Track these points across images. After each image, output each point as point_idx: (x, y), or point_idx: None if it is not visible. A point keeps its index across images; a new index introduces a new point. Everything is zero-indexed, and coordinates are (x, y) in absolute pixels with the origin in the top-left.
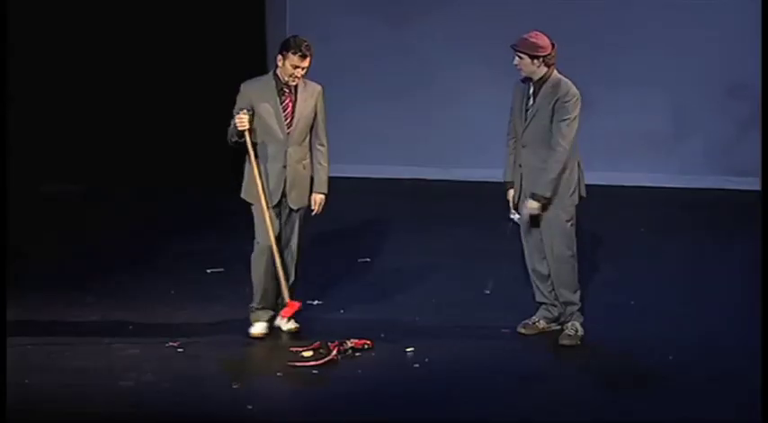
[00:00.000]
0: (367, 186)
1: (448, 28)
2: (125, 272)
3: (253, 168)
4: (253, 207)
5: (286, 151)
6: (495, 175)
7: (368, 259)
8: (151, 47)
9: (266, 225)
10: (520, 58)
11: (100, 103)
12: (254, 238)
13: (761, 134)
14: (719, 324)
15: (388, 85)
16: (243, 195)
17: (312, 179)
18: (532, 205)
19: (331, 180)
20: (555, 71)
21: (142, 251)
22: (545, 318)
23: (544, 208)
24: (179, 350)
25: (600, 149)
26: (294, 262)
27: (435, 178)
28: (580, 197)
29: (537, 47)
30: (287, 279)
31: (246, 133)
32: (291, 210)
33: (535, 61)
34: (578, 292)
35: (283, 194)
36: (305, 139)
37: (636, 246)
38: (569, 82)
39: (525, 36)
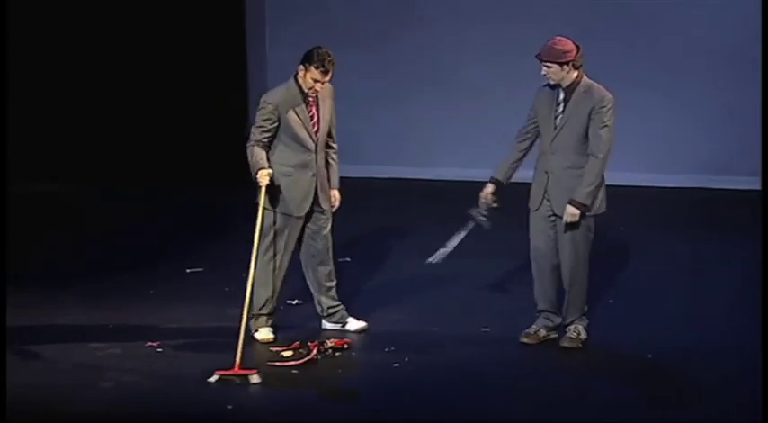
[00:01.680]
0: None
1: (457, 27)
2: (107, 272)
3: (260, 204)
4: (274, 215)
5: (315, 158)
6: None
7: (348, 259)
8: (136, 47)
9: (290, 236)
10: (548, 67)
11: (84, 101)
12: (245, 239)
13: (761, 134)
14: (719, 324)
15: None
16: (268, 205)
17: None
18: (573, 212)
19: None
20: (584, 75)
21: (124, 252)
22: (545, 326)
23: (582, 215)
24: (158, 350)
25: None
26: (333, 271)
27: (419, 178)
28: (605, 207)
29: (563, 53)
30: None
31: (264, 189)
32: (321, 213)
33: (564, 67)
34: (586, 299)
35: (313, 202)
36: (325, 142)
37: (636, 246)
38: (601, 87)
39: (549, 44)
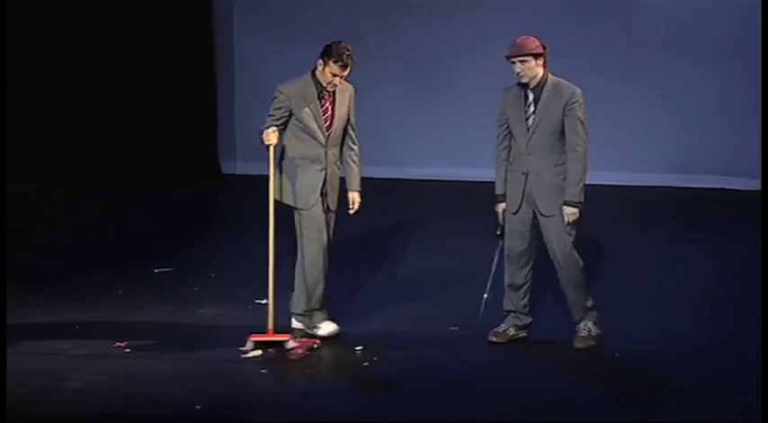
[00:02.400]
0: None
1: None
2: (74, 273)
3: (270, 171)
4: (295, 211)
5: (326, 153)
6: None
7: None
8: (100, 45)
9: (323, 226)
10: (523, 62)
11: (46, 100)
12: (230, 237)
13: (761, 134)
14: (719, 323)
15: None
16: (282, 198)
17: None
18: (572, 211)
19: None
20: (549, 73)
21: (91, 252)
22: (514, 325)
23: (581, 212)
24: (126, 351)
25: (594, 147)
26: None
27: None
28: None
29: (535, 46)
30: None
31: (272, 148)
32: (328, 211)
33: (539, 60)
34: (588, 292)
35: (321, 196)
36: (341, 141)
37: (634, 246)
38: (567, 82)
39: (517, 42)
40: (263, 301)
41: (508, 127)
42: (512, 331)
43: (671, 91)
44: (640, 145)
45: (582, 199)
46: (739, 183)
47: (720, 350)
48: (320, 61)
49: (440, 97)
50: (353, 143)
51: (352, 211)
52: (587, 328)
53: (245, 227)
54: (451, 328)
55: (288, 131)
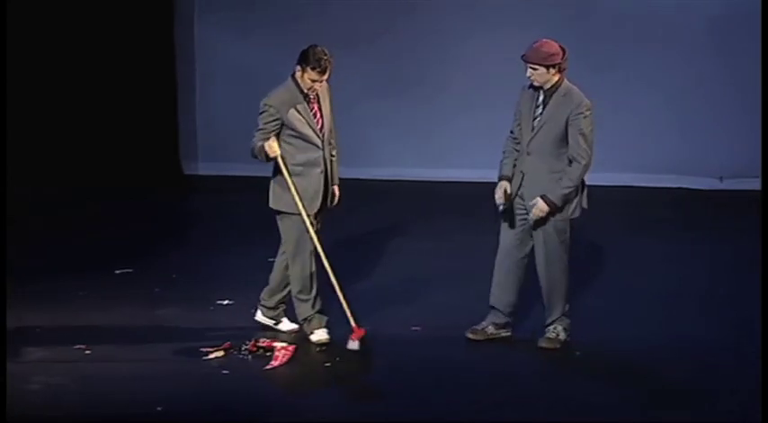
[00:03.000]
0: None
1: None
2: (34, 274)
3: (288, 181)
4: (285, 217)
5: (323, 155)
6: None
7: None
8: (56, 42)
9: (311, 233)
10: (534, 69)
11: (13, 102)
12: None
13: (761, 134)
14: (718, 324)
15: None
16: (277, 206)
17: None
18: (542, 207)
19: None
20: (565, 78)
21: (51, 253)
22: (494, 323)
23: (551, 214)
24: (87, 352)
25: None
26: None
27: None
28: (582, 209)
29: (549, 55)
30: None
31: (280, 158)
32: (324, 210)
33: (551, 70)
34: (566, 300)
35: (324, 198)
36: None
37: (634, 246)
38: (579, 92)
39: (535, 46)
40: (225, 302)
41: (519, 124)
42: (491, 329)
43: (669, 91)
44: (637, 144)
45: (559, 204)
46: (739, 183)
47: (720, 350)
48: (298, 67)
49: (418, 97)
50: (333, 138)
51: (333, 204)
52: (556, 331)
53: (207, 228)
54: (413, 328)
55: (282, 143)
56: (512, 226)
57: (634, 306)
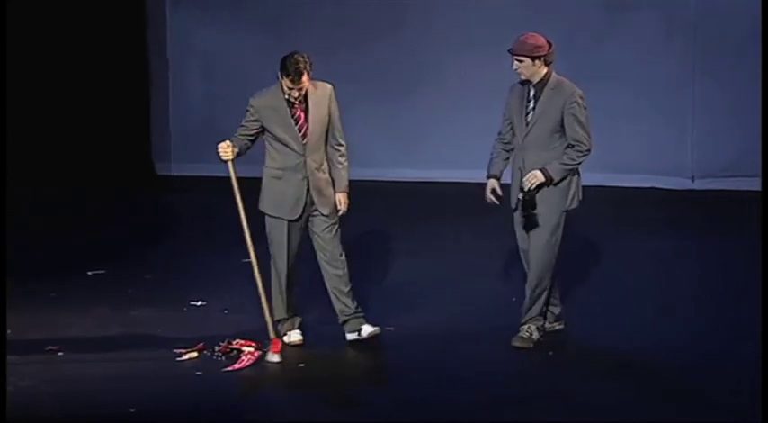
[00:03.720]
0: None
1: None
2: (5, 275)
3: (234, 186)
4: (266, 217)
5: (305, 161)
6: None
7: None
8: (25, 40)
9: (285, 241)
10: (520, 61)
11: None
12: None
13: (761, 134)
14: (718, 323)
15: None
16: (259, 207)
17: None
18: (538, 175)
19: None
20: (553, 71)
21: (22, 254)
22: (547, 318)
23: (541, 186)
24: (59, 354)
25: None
26: (346, 275)
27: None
28: (579, 201)
29: (535, 47)
30: (290, 294)
31: (230, 164)
32: (322, 216)
33: (536, 62)
34: (547, 299)
35: (306, 205)
36: (323, 144)
37: (634, 246)
38: (570, 82)
39: (521, 39)
40: (198, 303)
41: (510, 124)
42: (546, 323)
43: (639, 90)
44: (609, 145)
45: (554, 177)
46: (710, 183)
47: (720, 350)
48: (279, 75)
49: (409, 97)
50: (338, 144)
51: (340, 213)
52: (530, 330)
53: (180, 229)
54: (387, 328)
55: (266, 143)
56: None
57: (631, 306)
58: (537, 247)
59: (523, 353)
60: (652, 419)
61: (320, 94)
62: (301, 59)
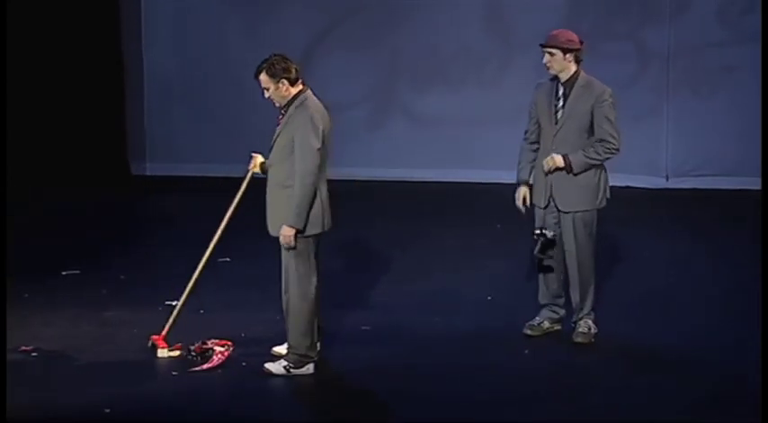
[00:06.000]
0: None
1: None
2: (4, 275)
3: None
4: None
5: (269, 173)
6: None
7: (228, 259)
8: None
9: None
10: (551, 54)
11: None
12: None
13: (761, 134)
14: (718, 323)
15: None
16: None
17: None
18: (558, 161)
19: None
20: (582, 70)
21: None
22: (549, 318)
23: (560, 169)
24: (33, 355)
25: None
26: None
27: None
28: (606, 199)
29: (567, 40)
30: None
31: (249, 173)
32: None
33: (567, 56)
34: (593, 293)
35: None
36: (283, 160)
37: (634, 247)
38: (599, 81)
39: (553, 33)
40: (173, 303)
41: (537, 122)
42: (546, 324)
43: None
44: (639, 145)
45: (576, 169)
46: (684, 182)
47: (720, 350)
48: None
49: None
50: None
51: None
52: (588, 325)
53: (155, 229)
54: (362, 328)
55: None
56: (550, 224)
57: (633, 306)
58: (580, 246)
59: (528, 353)
60: (653, 420)
61: (299, 112)
62: (268, 60)
